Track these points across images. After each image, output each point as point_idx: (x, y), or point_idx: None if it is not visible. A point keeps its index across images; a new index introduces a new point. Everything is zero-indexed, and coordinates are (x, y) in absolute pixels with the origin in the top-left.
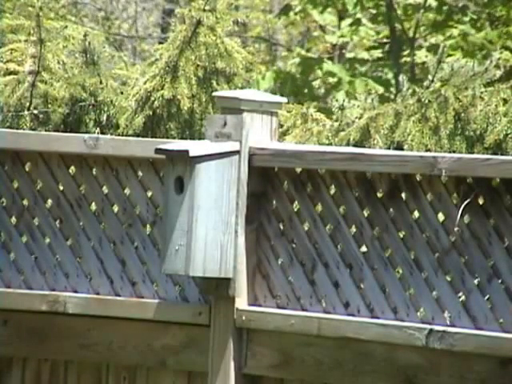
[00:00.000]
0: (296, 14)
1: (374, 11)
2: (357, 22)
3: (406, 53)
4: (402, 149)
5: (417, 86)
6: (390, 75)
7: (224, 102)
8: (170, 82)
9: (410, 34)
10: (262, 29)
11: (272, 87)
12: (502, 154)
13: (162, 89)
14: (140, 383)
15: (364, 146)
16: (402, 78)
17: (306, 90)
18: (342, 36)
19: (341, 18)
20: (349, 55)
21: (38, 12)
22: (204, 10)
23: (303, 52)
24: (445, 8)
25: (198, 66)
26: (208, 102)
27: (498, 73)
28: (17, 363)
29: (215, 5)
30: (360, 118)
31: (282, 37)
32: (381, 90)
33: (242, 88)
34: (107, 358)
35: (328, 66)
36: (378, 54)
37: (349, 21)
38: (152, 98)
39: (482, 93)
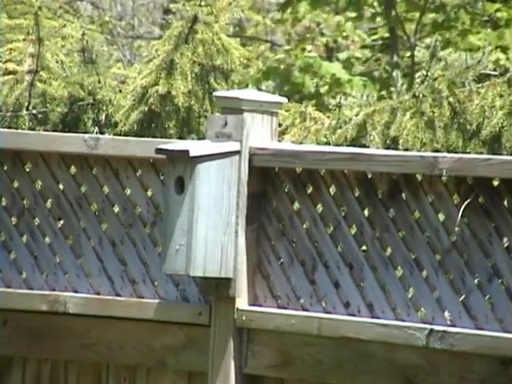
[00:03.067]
0: (286, 11)
1: (372, 10)
2: (352, 19)
3: (404, 52)
4: (397, 143)
5: (411, 80)
6: (388, 74)
7: (224, 101)
8: (166, 77)
9: (409, 34)
10: (259, 29)
11: (271, 85)
12: (498, 147)
13: (157, 84)
14: (140, 383)
15: (361, 143)
16: (397, 73)
17: (304, 88)
18: (332, 36)
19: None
20: (345, 54)
21: (36, 11)
22: (200, 5)
23: (297, 51)
24: (444, 9)
25: (194, 62)
26: (205, 98)
27: (491, 65)
28: (17, 363)
29: (213, 1)
30: (357, 115)
31: (279, 36)
32: (376, 90)
33: (239, 84)
34: (107, 357)
35: (325, 64)
36: (375, 53)
37: (341, 19)
38: (147, 94)
39: (478, 88)
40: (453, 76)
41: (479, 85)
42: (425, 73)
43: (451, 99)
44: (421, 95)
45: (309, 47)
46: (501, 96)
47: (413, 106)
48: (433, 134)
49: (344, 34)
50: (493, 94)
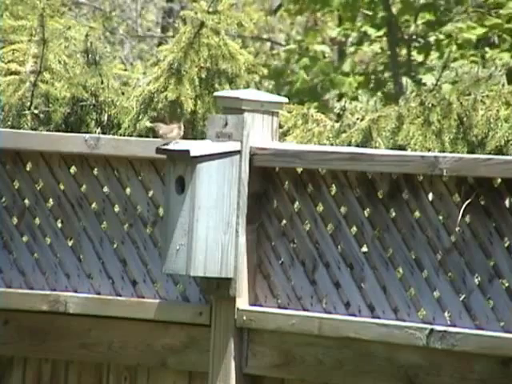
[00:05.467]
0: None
1: (369, 12)
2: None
3: (400, 50)
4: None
5: (419, 87)
6: (389, 75)
7: (225, 101)
8: (174, 83)
9: (405, 34)
10: (260, 28)
11: (273, 87)
12: None
13: (166, 90)
14: (141, 383)
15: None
16: (406, 80)
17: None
18: (340, 31)
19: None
20: (352, 48)
21: (41, 12)
22: (208, 12)
23: (302, 44)
24: (441, 8)
25: (201, 67)
26: (210, 103)
27: (503, 79)
28: (18, 363)
29: (216, 7)
30: (362, 120)
31: (281, 35)
32: (372, 91)
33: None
34: (108, 357)
35: (323, 64)
36: (376, 50)
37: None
38: (155, 100)
39: (483, 97)
40: (463, 88)
41: (484, 94)
42: (434, 81)
43: (459, 110)
44: (430, 104)
45: (316, 47)
46: (507, 106)
47: (420, 114)
48: (441, 145)
49: (354, 29)
50: (498, 105)
